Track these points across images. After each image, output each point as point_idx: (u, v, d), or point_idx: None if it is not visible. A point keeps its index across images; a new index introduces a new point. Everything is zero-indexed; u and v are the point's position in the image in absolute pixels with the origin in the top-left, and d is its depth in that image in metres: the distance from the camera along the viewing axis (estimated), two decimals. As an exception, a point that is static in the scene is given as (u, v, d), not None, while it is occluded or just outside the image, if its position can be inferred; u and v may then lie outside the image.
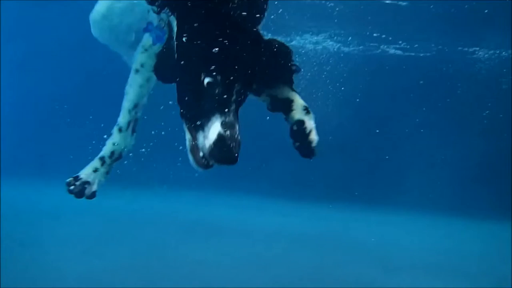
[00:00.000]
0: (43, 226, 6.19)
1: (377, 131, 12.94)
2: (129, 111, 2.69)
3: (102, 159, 2.64)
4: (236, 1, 1.86)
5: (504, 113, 12.69)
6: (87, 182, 2.55)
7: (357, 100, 13.31)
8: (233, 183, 10.87)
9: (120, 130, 2.66)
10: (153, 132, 6.32)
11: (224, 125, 1.76)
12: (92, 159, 2.63)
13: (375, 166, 12.99)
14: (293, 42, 12.06)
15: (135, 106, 2.70)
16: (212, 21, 1.85)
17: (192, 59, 1.88)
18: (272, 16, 8.88)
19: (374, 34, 11.62)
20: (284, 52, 2.22)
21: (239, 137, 1.78)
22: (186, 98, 1.90)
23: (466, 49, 12.00)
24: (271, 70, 2.14)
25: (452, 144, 12.95)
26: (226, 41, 1.82)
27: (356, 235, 7.51)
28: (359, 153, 13.14)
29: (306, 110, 2.24)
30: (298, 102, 2.26)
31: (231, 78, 1.81)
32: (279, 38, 2.27)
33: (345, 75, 13.74)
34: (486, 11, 9.28)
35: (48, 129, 12.44)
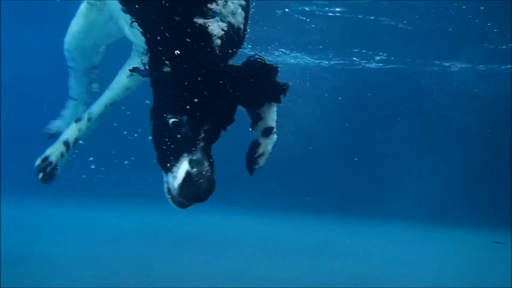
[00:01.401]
0: (42, 243, 6.09)
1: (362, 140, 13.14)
2: (106, 106, 2.83)
3: (66, 144, 2.75)
4: (212, 41, 1.84)
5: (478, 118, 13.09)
6: (55, 166, 2.71)
7: (341, 112, 13.53)
8: (219, 194, 10.89)
9: (89, 119, 2.79)
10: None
11: (191, 162, 1.76)
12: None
13: (363, 176, 13.09)
14: (271, 58, 12.13)
15: (113, 103, 2.83)
16: (182, 62, 1.80)
17: (160, 99, 1.89)
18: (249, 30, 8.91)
19: (354, 50, 11.78)
20: (266, 72, 2.17)
21: (209, 174, 1.77)
22: (158, 140, 1.92)
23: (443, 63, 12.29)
24: (253, 92, 2.10)
25: (438, 153, 13.21)
26: (195, 82, 1.78)
27: (352, 245, 7.53)
28: (347, 162, 13.26)
29: (268, 132, 2.22)
30: (265, 122, 2.23)
31: (199, 117, 1.80)
32: (258, 54, 2.23)
33: (325, 89, 13.92)
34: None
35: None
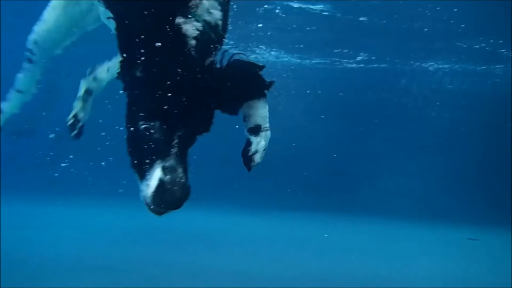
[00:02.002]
0: (42, 242, 6.07)
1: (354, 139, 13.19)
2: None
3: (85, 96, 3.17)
4: (185, 43, 1.80)
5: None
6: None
7: (328, 110, 13.62)
8: (209, 194, 11.00)
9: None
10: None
11: (164, 169, 1.72)
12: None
13: (353, 175, 13.18)
14: (253, 56, 12.14)
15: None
16: (153, 65, 1.77)
17: (132, 104, 1.85)
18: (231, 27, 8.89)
19: (335, 51, 11.90)
20: (251, 70, 2.17)
21: (183, 180, 1.73)
22: (131, 147, 1.88)
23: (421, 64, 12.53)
24: (236, 92, 2.09)
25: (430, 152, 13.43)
26: (167, 86, 1.75)
27: (349, 243, 7.56)
28: (341, 162, 13.37)
29: (257, 130, 2.20)
30: (252, 119, 2.21)
31: (171, 123, 1.76)
32: (242, 52, 2.24)
33: (308, 88, 14.03)
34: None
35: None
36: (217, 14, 2.01)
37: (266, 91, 2.22)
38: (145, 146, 1.78)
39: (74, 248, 5.82)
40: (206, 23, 1.93)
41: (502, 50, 10.80)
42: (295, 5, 9.30)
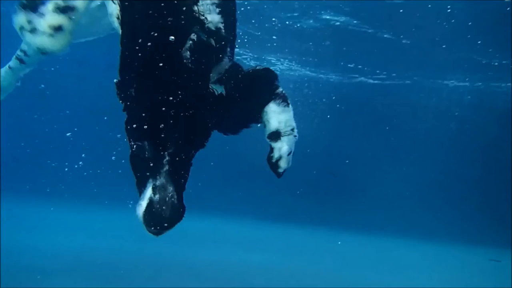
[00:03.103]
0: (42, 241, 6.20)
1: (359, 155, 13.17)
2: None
3: None
4: (178, 56, 1.74)
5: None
6: None
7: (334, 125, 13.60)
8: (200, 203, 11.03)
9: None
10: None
11: (154, 189, 1.67)
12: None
13: (357, 192, 13.14)
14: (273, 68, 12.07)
15: None
16: (144, 83, 1.73)
17: (127, 123, 1.82)
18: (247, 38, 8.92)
19: (349, 65, 11.82)
20: (259, 78, 2.15)
21: (173, 200, 1.67)
22: (132, 166, 1.85)
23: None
24: (248, 100, 2.07)
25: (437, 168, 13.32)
26: (157, 104, 1.70)
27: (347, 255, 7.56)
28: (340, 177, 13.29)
29: (276, 137, 2.16)
30: (270, 125, 2.18)
31: (161, 141, 1.71)
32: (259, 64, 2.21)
33: (323, 101, 14.02)
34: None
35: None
36: (216, 17, 1.96)
37: (284, 95, 2.19)
38: (139, 165, 1.76)
39: (74, 249, 5.91)
40: (203, 31, 1.87)
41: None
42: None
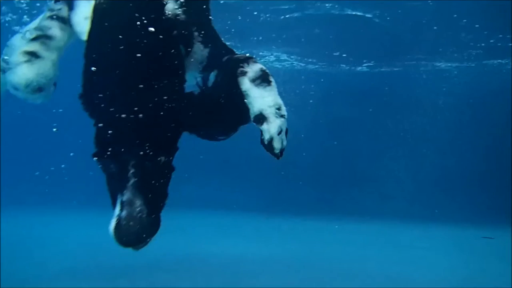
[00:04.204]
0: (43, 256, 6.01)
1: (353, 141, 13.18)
2: None
3: None
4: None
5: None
6: None
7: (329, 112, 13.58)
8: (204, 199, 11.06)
9: None
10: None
11: (121, 204, 1.60)
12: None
13: (356, 178, 13.13)
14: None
15: None
16: (113, 99, 1.65)
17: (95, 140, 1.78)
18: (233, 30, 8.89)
19: (335, 53, 11.79)
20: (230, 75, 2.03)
21: (141, 214, 1.59)
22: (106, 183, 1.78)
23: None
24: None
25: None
26: (111, 117, 1.64)
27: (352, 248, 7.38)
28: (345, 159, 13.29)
29: (261, 119, 2.01)
30: (253, 109, 2.03)
31: (123, 153, 1.63)
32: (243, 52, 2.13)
33: (312, 93, 13.97)
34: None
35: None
36: (171, 5, 1.87)
37: (263, 73, 2.05)
38: (110, 182, 1.70)
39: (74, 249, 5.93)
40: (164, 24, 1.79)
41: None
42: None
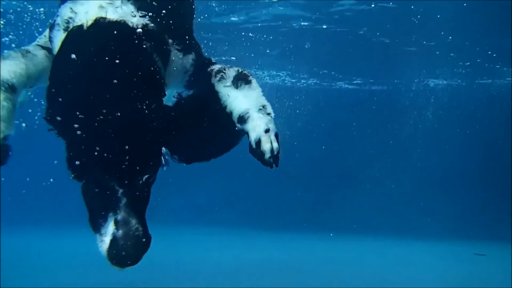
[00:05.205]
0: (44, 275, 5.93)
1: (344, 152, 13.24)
2: None
3: None
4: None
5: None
6: None
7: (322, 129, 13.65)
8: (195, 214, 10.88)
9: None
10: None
11: (116, 224, 1.56)
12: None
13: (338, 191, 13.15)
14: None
15: None
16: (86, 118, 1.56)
17: (68, 159, 1.69)
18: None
19: (324, 71, 11.88)
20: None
21: (137, 233, 1.57)
22: (85, 201, 1.70)
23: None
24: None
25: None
26: (89, 137, 1.56)
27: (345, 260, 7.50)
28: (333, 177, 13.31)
29: (243, 120, 1.86)
30: (235, 113, 1.90)
31: (106, 175, 1.58)
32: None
33: (305, 108, 14.08)
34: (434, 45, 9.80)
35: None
36: (129, 8, 1.81)
37: (242, 74, 1.96)
38: (94, 201, 1.63)
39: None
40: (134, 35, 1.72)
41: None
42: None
